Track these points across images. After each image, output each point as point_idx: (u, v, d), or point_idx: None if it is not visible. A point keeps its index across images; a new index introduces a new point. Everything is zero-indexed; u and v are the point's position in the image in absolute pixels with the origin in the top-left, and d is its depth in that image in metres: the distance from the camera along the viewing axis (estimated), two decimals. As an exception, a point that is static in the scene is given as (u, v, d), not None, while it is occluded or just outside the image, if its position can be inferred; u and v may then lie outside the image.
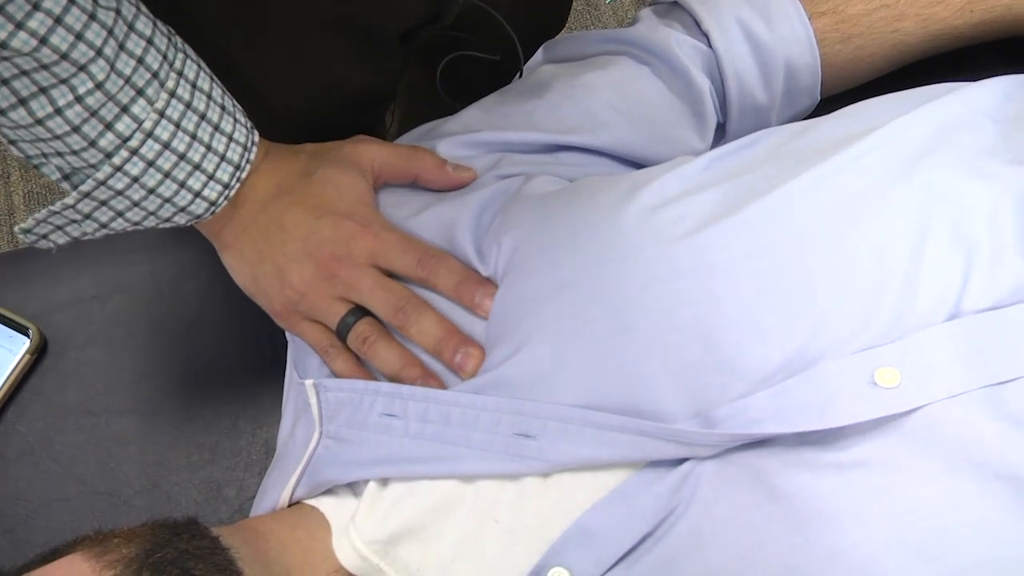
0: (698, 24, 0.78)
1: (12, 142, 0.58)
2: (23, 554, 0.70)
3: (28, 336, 0.83)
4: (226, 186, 0.63)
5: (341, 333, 0.69)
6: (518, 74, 0.82)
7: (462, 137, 0.75)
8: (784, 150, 0.68)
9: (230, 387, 0.84)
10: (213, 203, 0.63)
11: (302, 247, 0.67)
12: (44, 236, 0.62)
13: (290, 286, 0.68)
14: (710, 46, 0.78)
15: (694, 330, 0.59)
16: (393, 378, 0.67)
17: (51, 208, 0.60)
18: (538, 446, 0.60)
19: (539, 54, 0.84)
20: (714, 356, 0.58)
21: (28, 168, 1.73)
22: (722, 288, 0.60)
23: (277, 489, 0.70)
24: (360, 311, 0.68)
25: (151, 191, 0.60)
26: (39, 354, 0.84)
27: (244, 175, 0.64)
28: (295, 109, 0.80)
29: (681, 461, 0.58)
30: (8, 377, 0.82)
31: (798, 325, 0.58)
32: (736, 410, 0.57)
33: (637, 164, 0.76)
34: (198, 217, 0.63)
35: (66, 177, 0.60)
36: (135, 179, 0.59)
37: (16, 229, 0.62)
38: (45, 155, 0.58)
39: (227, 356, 0.85)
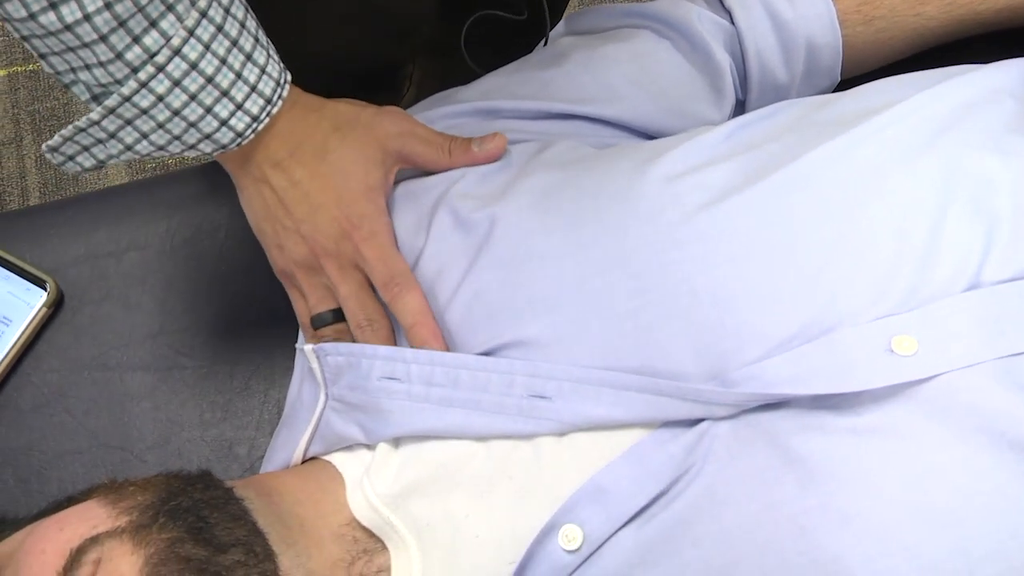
0: (721, 0, 0.79)
1: (42, 55, 0.58)
2: (36, 504, 0.70)
3: (45, 289, 0.83)
4: (255, 119, 0.62)
5: (314, 322, 0.70)
6: (543, 41, 0.82)
7: (474, 104, 0.76)
8: (805, 121, 0.68)
9: (244, 347, 0.84)
10: (240, 134, 0.62)
11: (298, 229, 0.67)
12: (71, 157, 0.62)
13: (286, 259, 0.69)
14: (732, 23, 0.78)
15: (713, 294, 0.60)
16: None
17: (76, 124, 0.59)
18: (553, 407, 0.61)
19: (561, 26, 0.85)
20: (732, 320, 0.59)
21: (41, 132, 1.73)
22: (741, 254, 0.61)
23: (288, 448, 0.71)
24: (338, 313, 0.70)
25: (176, 112, 0.59)
26: (55, 308, 0.84)
27: (275, 110, 0.63)
28: (326, 36, 0.79)
29: (696, 422, 0.59)
30: (25, 329, 0.82)
31: (816, 292, 0.59)
32: (752, 373, 0.57)
33: (652, 137, 0.76)
34: (224, 147, 0.62)
35: (94, 98, 0.60)
36: (160, 98, 0.58)
37: (44, 147, 0.61)
38: (73, 69, 0.58)
39: (241, 316, 0.85)
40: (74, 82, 0.59)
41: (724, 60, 0.77)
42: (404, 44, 0.93)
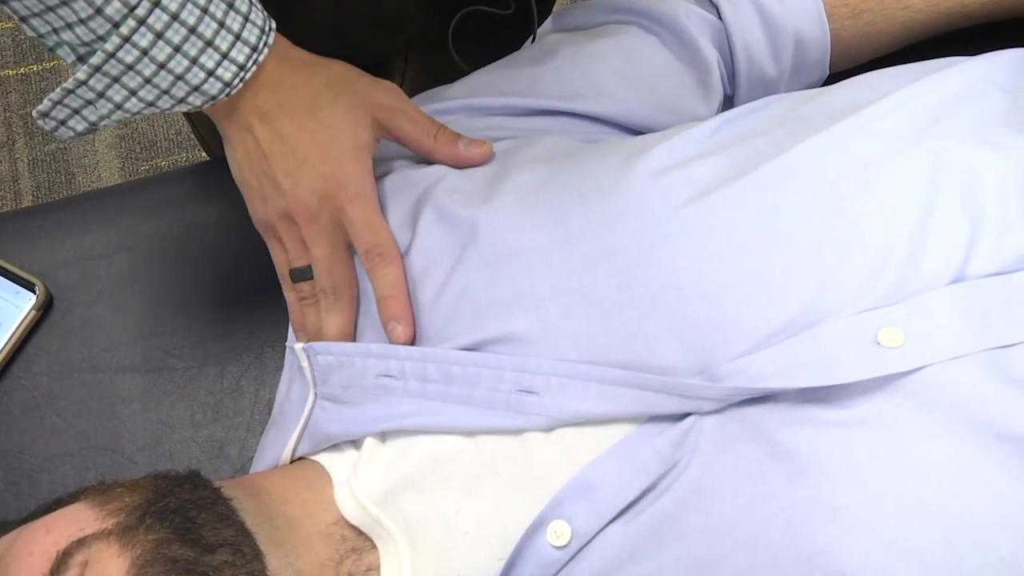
0: None
1: (23, 19, 0.57)
2: (27, 507, 0.69)
3: (34, 292, 0.83)
4: (241, 67, 0.61)
5: (293, 275, 0.70)
6: (531, 37, 0.82)
7: (460, 101, 0.75)
8: (793, 115, 0.68)
9: (234, 348, 0.84)
10: (228, 84, 0.61)
11: (280, 184, 0.66)
12: (62, 122, 0.62)
13: (268, 210, 0.68)
14: (720, 18, 0.78)
15: (699, 288, 0.60)
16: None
17: (64, 86, 0.59)
18: (541, 402, 0.61)
19: (548, 23, 0.85)
20: (718, 314, 0.59)
21: (33, 135, 1.73)
22: (728, 248, 0.60)
23: (276, 448, 0.71)
24: None
25: (161, 66, 0.59)
26: (45, 310, 0.84)
27: (262, 58, 0.62)
28: (312, 28, 0.78)
29: (683, 417, 0.59)
30: (14, 332, 0.82)
31: (803, 285, 0.59)
32: (739, 367, 0.57)
33: (640, 133, 0.76)
34: (213, 98, 0.62)
35: (80, 59, 0.59)
36: (144, 52, 0.57)
37: (34, 113, 0.61)
38: (56, 30, 0.57)
39: (231, 317, 0.85)
40: (58, 44, 0.59)
41: (711, 55, 0.77)
42: (392, 38, 0.93)
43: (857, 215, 0.60)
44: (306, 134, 0.65)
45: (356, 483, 0.64)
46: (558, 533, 0.58)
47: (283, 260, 0.71)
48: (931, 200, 0.60)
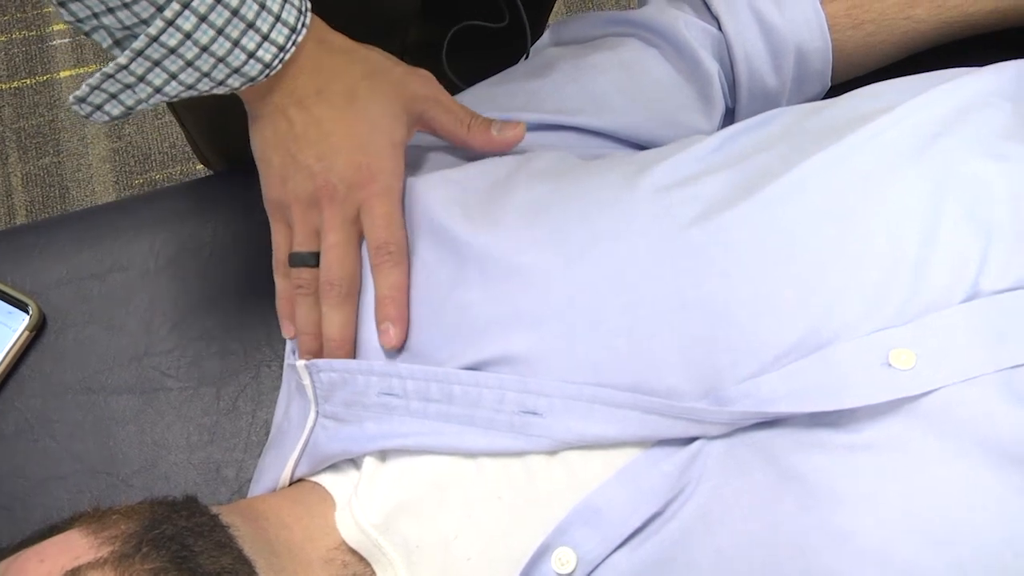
0: (708, 7, 0.78)
1: (62, 3, 0.57)
2: (20, 531, 0.68)
3: (27, 312, 0.82)
4: (281, 48, 0.61)
5: (293, 260, 0.69)
6: (525, 54, 0.81)
7: None
8: (797, 129, 0.67)
9: (230, 367, 0.83)
10: (267, 65, 0.61)
11: (310, 166, 0.66)
12: (98, 107, 0.61)
13: (286, 191, 0.67)
14: (720, 29, 0.77)
15: (705, 308, 0.58)
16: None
17: (104, 71, 0.59)
18: (545, 424, 0.59)
19: (546, 36, 0.84)
20: (725, 334, 0.58)
21: (26, 150, 1.72)
22: (735, 267, 0.59)
23: (276, 469, 0.69)
24: (319, 257, 0.68)
25: (204, 49, 0.58)
26: (38, 331, 0.83)
27: (300, 39, 0.62)
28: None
29: (690, 441, 0.58)
30: (7, 353, 0.81)
31: (811, 304, 0.58)
32: (747, 390, 0.56)
33: (642, 147, 0.76)
34: (252, 80, 0.62)
35: (117, 43, 0.59)
36: (187, 35, 0.57)
37: (70, 99, 0.61)
38: (96, 14, 0.57)
39: (227, 336, 0.84)
40: (96, 28, 0.58)
41: (712, 67, 0.76)
42: (387, 43, 0.92)
43: (864, 232, 0.60)
44: (343, 123, 0.65)
45: (357, 506, 0.62)
46: (563, 561, 0.57)
47: (284, 244, 0.70)
48: (937, 215, 0.59)
